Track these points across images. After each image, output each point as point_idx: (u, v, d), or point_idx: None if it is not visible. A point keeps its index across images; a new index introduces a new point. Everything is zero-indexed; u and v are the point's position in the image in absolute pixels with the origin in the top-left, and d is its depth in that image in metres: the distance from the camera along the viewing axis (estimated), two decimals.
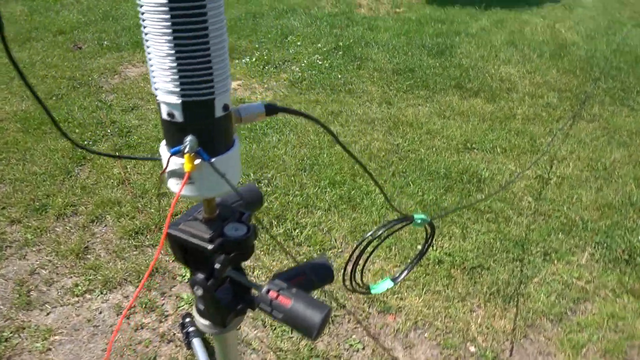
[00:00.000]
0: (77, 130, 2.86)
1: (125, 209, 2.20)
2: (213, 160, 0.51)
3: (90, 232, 2.09)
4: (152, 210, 2.20)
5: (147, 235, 2.06)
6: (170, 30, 0.45)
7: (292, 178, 2.45)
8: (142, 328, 1.66)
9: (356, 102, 3.37)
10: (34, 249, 2.01)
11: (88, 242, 2.04)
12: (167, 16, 0.44)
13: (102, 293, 1.80)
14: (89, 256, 1.97)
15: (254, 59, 4.06)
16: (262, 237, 2.04)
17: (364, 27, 5.02)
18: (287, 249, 1.97)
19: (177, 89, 0.47)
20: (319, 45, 4.43)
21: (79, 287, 1.82)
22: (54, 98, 3.27)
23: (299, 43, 4.47)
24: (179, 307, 1.74)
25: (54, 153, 2.65)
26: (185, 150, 0.48)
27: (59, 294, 1.80)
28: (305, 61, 4.05)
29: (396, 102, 3.38)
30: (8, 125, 2.93)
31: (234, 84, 3.62)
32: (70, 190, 2.34)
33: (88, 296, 1.80)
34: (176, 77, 0.47)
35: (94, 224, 2.14)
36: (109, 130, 2.86)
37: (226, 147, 0.53)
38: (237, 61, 4.04)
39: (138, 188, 2.34)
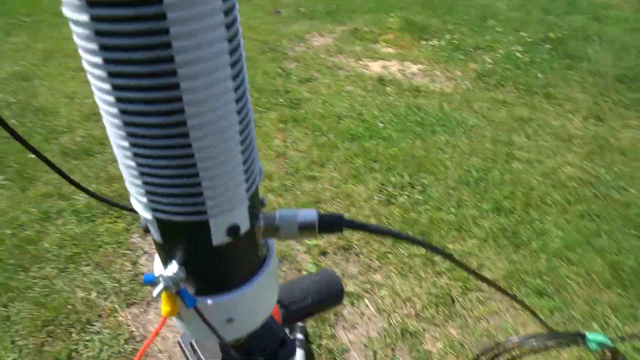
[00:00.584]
0: (255, 95, 3.00)
1: (275, 185, 2.21)
2: (210, 302, 0.32)
3: None
4: (299, 193, 2.17)
5: None
6: (116, 110, 0.24)
7: (451, 191, 2.14)
8: None
9: (554, 110, 2.79)
10: None
11: None
12: (107, 86, 0.23)
13: None
14: None
15: (443, 42, 3.69)
16: (399, 252, 1.83)
17: (588, 15, 4.13)
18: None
19: (144, 199, 0.28)
20: (523, 34, 3.80)
21: None
22: None
23: (499, 29, 3.91)
24: None
25: None
26: (159, 289, 0.29)
27: None
28: (501, 51, 3.52)
29: (609, 118, 2.69)
30: None
31: (414, 68, 3.36)
32: None
33: None
34: (138, 181, 0.27)
35: None
36: (280, 100, 2.92)
37: (239, 281, 0.33)
38: (423, 42, 3.74)
39: (292, 166, 2.33)
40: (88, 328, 1.56)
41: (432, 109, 2.82)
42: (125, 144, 0.26)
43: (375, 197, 2.12)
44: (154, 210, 0.28)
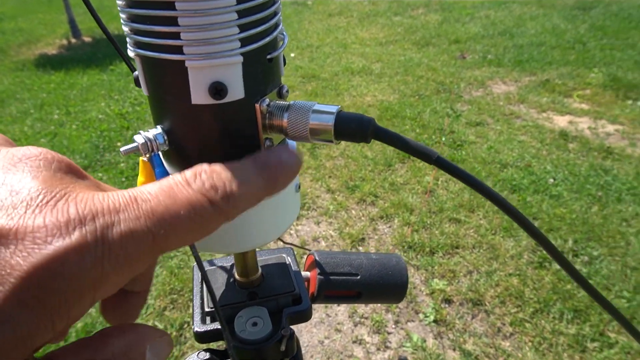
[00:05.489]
0: (417, 131, 2.96)
1: (413, 219, 2.11)
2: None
3: (374, 225, 2.13)
4: (436, 232, 2.02)
5: (417, 256, 1.92)
6: None
7: (628, 271, 1.72)
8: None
9: None
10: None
11: (366, 234, 2.08)
12: None
13: None
14: (364, 245, 2.01)
15: None
16: (540, 324, 1.52)
17: None
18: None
19: (127, 29, 0.28)
20: None
21: None
22: (416, 96, 3.51)
23: None
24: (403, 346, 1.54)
25: None
26: (128, 147, 0.27)
27: None
28: None
29: None
30: (371, 111, 3.35)
31: (610, 128, 2.88)
32: (382, 180, 2.45)
33: None
34: (123, 14, 0.28)
35: (381, 220, 2.16)
36: (443, 139, 2.82)
37: None
38: (629, 102, 3.19)
39: (437, 205, 2.20)
40: None
41: (624, 174, 2.35)
42: None
43: (526, 256, 1.84)
44: (136, 45, 0.26)
